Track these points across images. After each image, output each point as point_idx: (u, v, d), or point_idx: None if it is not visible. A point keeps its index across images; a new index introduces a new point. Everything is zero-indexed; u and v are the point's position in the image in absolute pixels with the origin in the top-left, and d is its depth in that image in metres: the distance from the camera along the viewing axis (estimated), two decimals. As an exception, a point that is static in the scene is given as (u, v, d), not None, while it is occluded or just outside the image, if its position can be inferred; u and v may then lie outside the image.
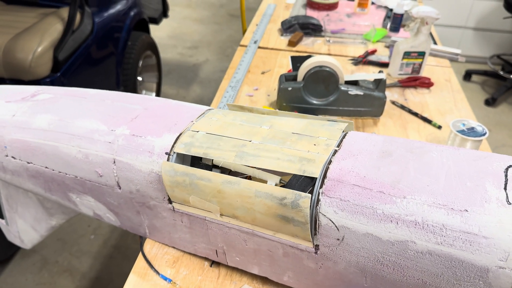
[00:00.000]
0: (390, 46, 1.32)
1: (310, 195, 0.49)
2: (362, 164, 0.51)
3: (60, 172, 0.69)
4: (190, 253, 0.67)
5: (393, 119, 1.02)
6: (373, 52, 1.29)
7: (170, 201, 0.61)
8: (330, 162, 0.52)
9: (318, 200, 0.50)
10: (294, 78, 1.02)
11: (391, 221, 0.46)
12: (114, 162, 0.63)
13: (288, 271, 0.58)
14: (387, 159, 0.51)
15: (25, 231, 1.03)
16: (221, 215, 0.57)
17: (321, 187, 0.50)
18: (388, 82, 1.15)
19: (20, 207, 0.96)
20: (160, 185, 0.60)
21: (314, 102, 1.00)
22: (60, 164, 0.68)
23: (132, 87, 2.29)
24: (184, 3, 4.15)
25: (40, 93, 0.78)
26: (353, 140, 0.56)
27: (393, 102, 1.07)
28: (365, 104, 1.00)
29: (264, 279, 0.63)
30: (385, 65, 1.22)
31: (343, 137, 0.57)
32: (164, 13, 2.79)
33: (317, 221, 0.50)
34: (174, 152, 0.59)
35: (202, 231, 0.61)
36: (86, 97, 0.74)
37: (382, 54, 1.28)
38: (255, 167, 0.58)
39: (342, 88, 0.98)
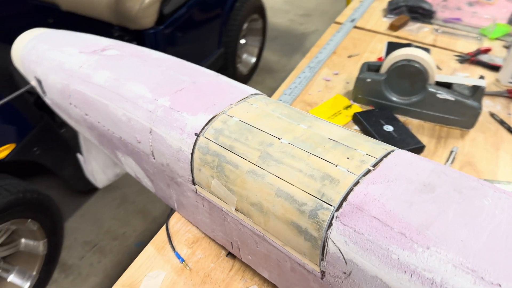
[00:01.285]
0: (509, 47, 1.11)
1: (333, 207, 0.43)
2: (393, 194, 0.43)
3: (108, 129, 0.71)
4: (210, 237, 0.65)
5: (485, 135, 0.87)
6: (487, 51, 1.10)
7: (193, 183, 0.59)
8: (357, 183, 0.45)
9: (331, 223, 0.43)
10: (378, 69, 0.91)
11: (405, 271, 0.38)
12: (151, 132, 0.62)
13: (295, 287, 0.53)
14: (426, 194, 0.42)
15: (97, 172, 1.11)
16: (236, 209, 0.54)
17: (337, 209, 0.43)
18: (494, 89, 0.98)
19: (93, 150, 1.02)
20: (187, 164, 0.58)
21: (395, 99, 0.89)
22: (108, 122, 0.69)
23: (232, 49, 2.30)
24: (306, -32, 4.01)
25: (110, 48, 0.80)
26: (395, 162, 0.47)
27: (492, 115, 0.91)
28: (454, 112, 0.86)
29: (274, 286, 0.59)
30: (496, 68, 1.04)
31: (385, 155, 0.48)
32: (281, -24, 2.71)
33: (326, 246, 0.44)
34: (203, 135, 0.56)
35: (220, 220, 0.58)
36: (147, 60, 0.74)
37: (496, 55, 1.09)
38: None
39: (430, 89, 0.86)
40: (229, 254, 0.63)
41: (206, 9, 2.01)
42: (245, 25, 2.36)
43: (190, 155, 0.57)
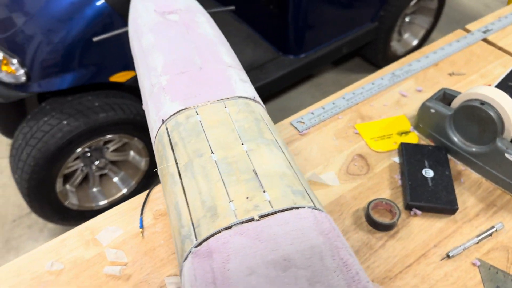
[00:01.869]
0: None
1: (195, 241, 0.42)
2: (245, 255, 0.39)
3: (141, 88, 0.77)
4: (175, 216, 0.69)
5: (559, 223, 0.66)
6: None
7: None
8: (230, 227, 0.42)
9: (187, 257, 0.42)
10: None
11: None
12: (146, 104, 0.66)
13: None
14: (273, 270, 0.37)
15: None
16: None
17: (197, 246, 0.42)
18: None
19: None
20: (154, 144, 0.61)
21: (457, 141, 0.74)
22: (140, 83, 0.76)
23: (388, 26, 2.12)
24: None
25: (176, 12, 0.84)
26: (286, 221, 0.42)
27: None
28: (526, 181, 0.68)
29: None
30: None
31: (285, 210, 0.43)
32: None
33: (181, 275, 0.43)
34: (165, 124, 0.57)
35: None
36: (188, 33, 0.76)
37: None
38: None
39: (500, 144, 0.68)
40: (179, 238, 0.66)
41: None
42: (414, 2, 2.13)
43: (155, 137, 0.59)
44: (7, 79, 1.36)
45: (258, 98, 0.62)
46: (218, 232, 0.42)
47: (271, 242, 0.40)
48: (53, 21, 1.35)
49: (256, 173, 0.47)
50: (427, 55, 0.97)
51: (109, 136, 1.50)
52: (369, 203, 0.68)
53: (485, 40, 1.01)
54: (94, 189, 1.67)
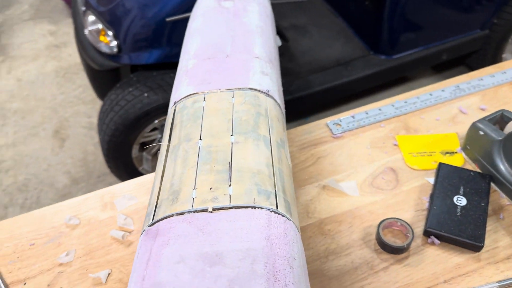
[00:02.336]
0: None
1: (151, 221, 0.44)
2: (183, 243, 0.39)
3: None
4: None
5: None
6: None
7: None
8: (182, 213, 0.42)
9: (142, 233, 0.44)
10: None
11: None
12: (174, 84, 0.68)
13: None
14: (202, 264, 0.37)
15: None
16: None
17: (151, 225, 0.43)
18: None
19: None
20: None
21: (503, 170, 0.65)
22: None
23: (501, 36, 1.90)
24: None
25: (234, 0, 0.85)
26: (241, 218, 0.41)
27: None
28: None
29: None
30: None
31: (245, 207, 0.42)
32: None
33: (137, 250, 0.45)
34: (176, 105, 0.59)
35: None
36: (232, 21, 0.76)
37: None
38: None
39: (551, 183, 0.58)
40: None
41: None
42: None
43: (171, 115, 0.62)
44: (104, 49, 1.51)
45: (274, 93, 0.61)
46: (171, 215, 0.42)
47: (212, 235, 0.40)
48: (149, -3, 1.45)
49: (230, 166, 0.47)
50: (505, 70, 0.85)
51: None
52: (382, 221, 0.63)
53: None
54: (167, 160, 1.78)
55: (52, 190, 1.89)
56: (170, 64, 1.58)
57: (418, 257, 0.61)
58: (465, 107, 0.80)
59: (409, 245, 0.61)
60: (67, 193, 1.85)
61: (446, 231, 0.61)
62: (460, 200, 0.64)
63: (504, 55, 2.00)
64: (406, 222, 0.63)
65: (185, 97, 0.59)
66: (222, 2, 0.84)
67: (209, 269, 0.37)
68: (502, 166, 0.65)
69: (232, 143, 0.50)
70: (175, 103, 0.60)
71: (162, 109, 1.51)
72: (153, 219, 0.44)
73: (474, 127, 0.68)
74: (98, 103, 2.23)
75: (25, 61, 2.59)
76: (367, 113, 0.80)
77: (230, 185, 0.45)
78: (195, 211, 0.42)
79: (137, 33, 1.46)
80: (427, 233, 0.62)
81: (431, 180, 0.69)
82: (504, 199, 0.66)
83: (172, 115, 0.58)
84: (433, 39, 1.83)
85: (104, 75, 1.72)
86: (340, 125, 0.79)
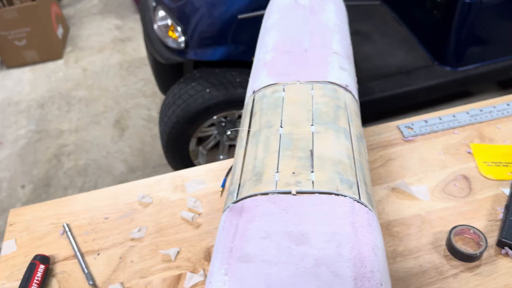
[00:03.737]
0: None
1: (235, 198, 0.45)
2: (269, 221, 0.40)
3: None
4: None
5: None
6: None
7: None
8: (267, 193, 0.43)
9: (225, 210, 0.45)
10: None
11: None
12: (252, 76, 0.70)
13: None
14: (288, 241, 0.38)
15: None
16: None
17: (235, 202, 0.45)
18: None
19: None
20: (243, 112, 0.65)
21: None
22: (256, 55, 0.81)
23: None
24: None
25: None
26: (323, 203, 0.42)
27: None
28: None
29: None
30: None
31: (326, 193, 0.42)
32: None
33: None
34: (255, 94, 0.61)
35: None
36: (310, 19, 0.77)
37: None
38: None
39: None
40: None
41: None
42: None
43: (245, 105, 0.63)
44: (171, 44, 1.57)
45: (352, 88, 0.61)
46: (255, 195, 0.44)
47: (297, 216, 0.41)
48: (219, -4, 1.49)
49: (312, 154, 0.48)
50: None
51: (243, 110, 1.61)
52: (454, 227, 0.62)
53: None
54: (221, 156, 1.82)
55: (109, 176, 1.97)
56: (232, 62, 1.61)
57: (490, 267, 0.59)
58: None
59: (482, 253, 0.59)
60: (124, 180, 1.93)
61: None
62: (539, 214, 0.61)
63: None
64: (479, 230, 0.61)
65: (264, 87, 0.61)
66: (300, 1, 0.85)
67: (295, 247, 0.38)
68: None
69: (312, 132, 0.51)
70: (254, 92, 0.61)
71: (222, 105, 1.54)
72: (237, 197, 0.45)
73: None
74: (158, 97, 2.30)
75: (92, 53, 2.73)
76: (440, 119, 0.78)
77: (312, 172, 0.45)
78: (278, 193, 0.43)
79: (204, 30, 1.50)
80: (501, 244, 0.60)
81: (506, 191, 0.67)
82: None
83: (251, 103, 0.60)
84: (501, 54, 1.76)
85: (168, 69, 1.78)
86: (412, 128, 0.77)
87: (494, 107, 0.79)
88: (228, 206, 0.45)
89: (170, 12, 1.56)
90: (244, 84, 1.54)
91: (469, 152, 0.73)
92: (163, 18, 1.60)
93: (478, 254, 0.58)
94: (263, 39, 0.75)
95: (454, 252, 0.60)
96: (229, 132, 1.75)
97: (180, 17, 1.52)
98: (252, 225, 0.40)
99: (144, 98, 2.33)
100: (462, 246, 0.61)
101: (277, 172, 0.46)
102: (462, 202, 0.67)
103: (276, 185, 0.44)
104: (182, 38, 1.52)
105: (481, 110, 0.79)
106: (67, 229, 0.68)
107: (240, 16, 1.13)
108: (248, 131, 0.55)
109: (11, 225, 0.70)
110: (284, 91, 0.59)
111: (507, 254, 0.60)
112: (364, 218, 0.41)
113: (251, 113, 0.57)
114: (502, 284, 0.57)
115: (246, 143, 0.53)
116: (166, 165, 1.95)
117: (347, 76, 0.63)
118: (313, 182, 0.44)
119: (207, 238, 0.65)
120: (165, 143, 1.61)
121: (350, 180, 0.45)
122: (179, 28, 1.52)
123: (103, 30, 2.93)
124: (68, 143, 2.15)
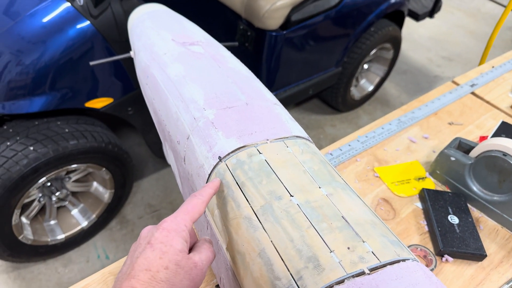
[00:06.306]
0: None
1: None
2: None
3: (163, 120, 0.72)
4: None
5: None
6: None
7: (205, 204, 0.57)
8: (341, 281, 0.39)
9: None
10: (469, 150, 0.80)
11: None
12: (188, 138, 0.61)
13: None
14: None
15: (167, 150, 1.16)
16: (226, 248, 0.51)
17: (305, 301, 0.38)
18: None
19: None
20: (203, 183, 0.56)
21: (475, 190, 0.77)
22: (164, 114, 0.71)
23: (350, 72, 2.22)
24: (468, 12, 3.71)
25: (198, 44, 0.81)
26: (398, 276, 0.40)
27: None
28: (543, 230, 0.72)
29: None
30: None
31: (392, 262, 0.41)
32: (431, 13, 2.54)
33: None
34: (224, 161, 0.53)
35: (216, 250, 0.56)
36: (220, 67, 0.73)
37: None
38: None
39: (520, 194, 0.72)
40: (217, 286, 0.61)
41: (336, 25, 1.96)
42: (373, 51, 2.26)
43: (207, 176, 0.55)
44: (-34, 97, 1.22)
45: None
46: (330, 286, 0.38)
47: (391, 297, 0.37)
48: (22, 42, 1.25)
49: (347, 221, 0.45)
50: (426, 104, 1.01)
51: (75, 165, 1.39)
52: (404, 249, 0.68)
53: (473, 93, 1.08)
54: (51, 222, 1.52)
55: None
56: (51, 111, 1.37)
57: (441, 276, 0.67)
58: (413, 137, 0.92)
59: (435, 267, 0.67)
60: None
61: (457, 248, 0.69)
62: (454, 219, 0.73)
63: (351, 88, 2.35)
64: (425, 247, 0.69)
65: (233, 151, 0.54)
66: (188, 46, 0.79)
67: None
68: (473, 186, 0.77)
69: (327, 195, 0.48)
70: (220, 158, 0.54)
71: (53, 163, 1.29)
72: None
73: (444, 154, 0.79)
74: None
75: None
76: (341, 150, 0.85)
77: (364, 242, 0.43)
78: (353, 276, 0.39)
79: (13, 80, 1.23)
80: (441, 253, 0.69)
81: (419, 204, 0.78)
82: (476, 212, 0.78)
83: (228, 172, 0.52)
84: (303, 77, 2.03)
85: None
86: (325, 163, 0.81)
87: (374, 131, 0.91)
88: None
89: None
90: (75, 134, 1.33)
91: (377, 176, 0.82)
92: None
93: (433, 268, 0.66)
94: (180, 93, 0.67)
95: (413, 272, 0.66)
96: (58, 193, 1.47)
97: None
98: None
99: None
100: (415, 264, 0.67)
101: (331, 251, 0.41)
102: (395, 224, 0.74)
103: (343, 267, 0.40)
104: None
105: (366, 136, 0.89)
106: None
107: (92, 63, 0.97)
108: (251, 208, 0.47)
109: None
110: (260, 153, 0.53)
111: (447, 261, 0.69)
112: (430, 273, 0.41)
113: (238, 185, 0.50)
114: (456, 286, 0.66)
115: (260, 223, 0.45)
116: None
117: (299, 126, 0.62)
118: (373, 253, 0.41)
119: None
120: (-23, 224, 1.25)
121: (395, 240, 0.44)
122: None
123: None
124: None
